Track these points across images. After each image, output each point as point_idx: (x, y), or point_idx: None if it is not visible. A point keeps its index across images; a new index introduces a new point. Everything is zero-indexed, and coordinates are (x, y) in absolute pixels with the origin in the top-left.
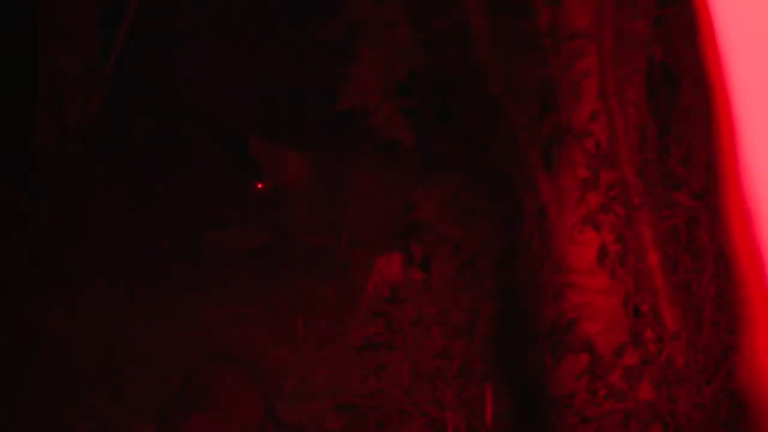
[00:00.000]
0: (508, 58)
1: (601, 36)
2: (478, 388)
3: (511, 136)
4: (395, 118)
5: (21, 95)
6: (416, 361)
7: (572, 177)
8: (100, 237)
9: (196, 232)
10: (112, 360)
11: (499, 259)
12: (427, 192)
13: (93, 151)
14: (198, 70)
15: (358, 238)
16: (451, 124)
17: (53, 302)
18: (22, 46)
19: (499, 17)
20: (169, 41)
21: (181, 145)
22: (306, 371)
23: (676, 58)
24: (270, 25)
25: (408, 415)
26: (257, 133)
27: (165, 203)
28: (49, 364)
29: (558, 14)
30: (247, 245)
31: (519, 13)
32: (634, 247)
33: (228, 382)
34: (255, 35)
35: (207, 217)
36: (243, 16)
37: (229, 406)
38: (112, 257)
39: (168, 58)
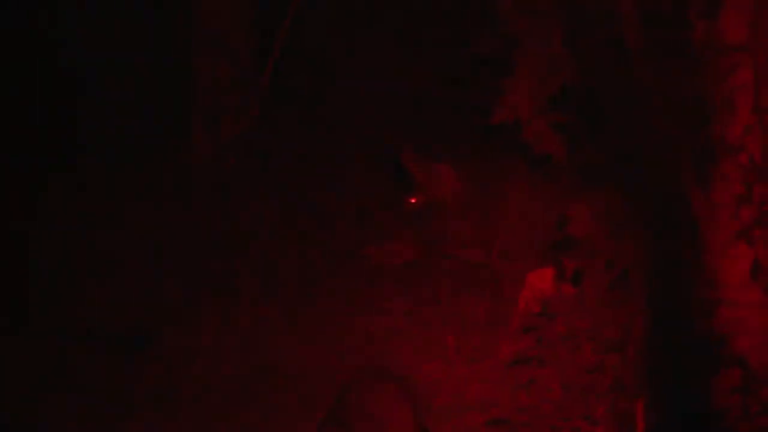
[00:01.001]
0: (661, 71)
1: (756, 49)
2: (629, 403)
3: (664, 150)
4: (548, 132)
5: (177, 105)
6: (567, 376)
7: (726, 191)
8: (256, 250)
9: (350, 246)
10: (266, 375)
11: (651, 274)
12: (580, 206)
13: (248, 162)
14: (352, 83)
15: (510, 252)
16: (604, 138)
17: (209, 316)
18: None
19: (653, 30)
20: (324, 55)
21: (335, 159)
22: (457, 386)
23: None
24: (424, 38)
25: (559, 431)
26: (410, 148)
27: (319, 216)
28: (203, 379)
29: (713, 27)
30: (400, 260)
31: (674, 25)
32: None
33: (381, 398)
34: (409, 49)
35: (361, 231)
36: (397, 30)
37: (382, 422)
38: (267, 271)
39: (322, 71)
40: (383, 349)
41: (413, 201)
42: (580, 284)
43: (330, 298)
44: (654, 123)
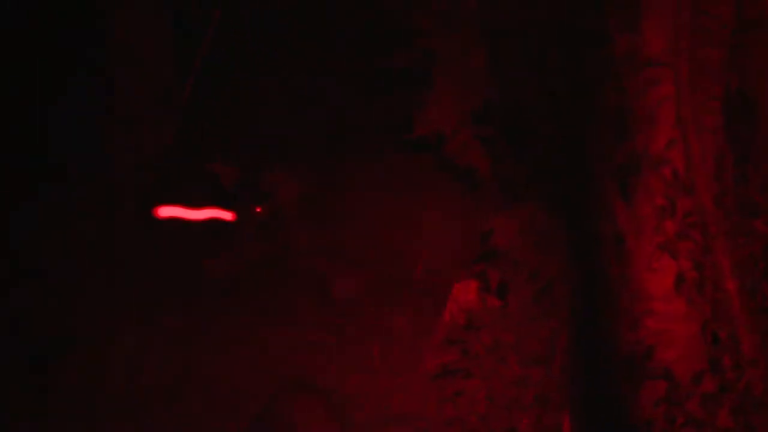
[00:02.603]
0: (583, 86)
1: (677, 63)
2: (555, 416)
3: (587, 164)
4: (471, 146)
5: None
6: (493, 389)
7: (649, 205)
8: (173, 267)
9: (271, 257)
10: (186, 388)
11: (575, 286)
12: (503, 219)
13: (167, 181)
14: (272, 97)
15: (434, 265)
16: (527, 152)
17: (126, 330)
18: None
19: (573, 45)
20: (243, 69)
21: (259, 178)
22: (382, 399)
23: (754, 85)
24: (345, 54)
25: None
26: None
27: (235, 235)
28: (121, 392)
29: (633, 42)
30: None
31: (594, 41)
32: (711, 274)
33: (305, 410)
34: (329, 64)
35: (279, 240)
36: (317, 46)
37: None
38: (185, 287)
39: (242, 86)
40: (307, 363)
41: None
42: (505, 296)
43: (250, 312)
44: (577, 136)
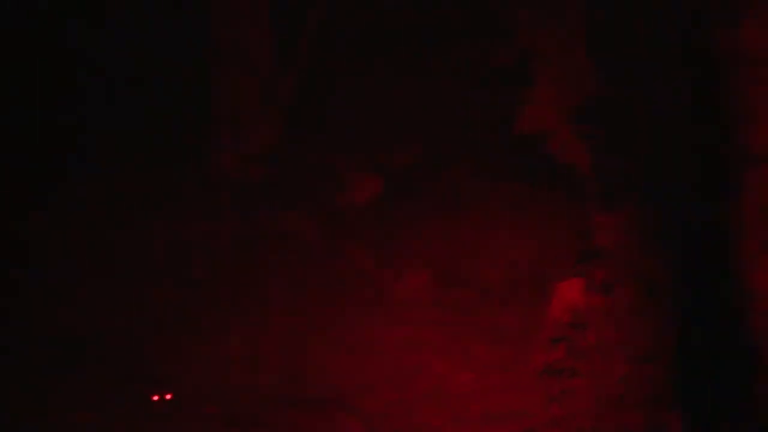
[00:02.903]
0: (686, 83)
1: None
2: (664, 413)
3: (691, 161)
4: (572, 143)
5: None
6: (599, 387)
7: (752, 202)
8: (279, 260)
9: (380, 257)
10: (299, 384)
11: (681, 283)
12: (607, 218)
13: (273, 175)
14: (379, 97)
15: (539, 264)
16: (629, 149)
17: (235, 324)
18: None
19: (677, 42)
20: (345, 68)
21: (361, 173)
22: (489, 396)
23: None
24: (447, 51)
25: None
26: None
27: (339, 230)
28: (234, 389)
29: (736, 40)
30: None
31: (698, 38)
32: None
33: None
34: (431, 63)
35: (387, 240)
36: (418, 45)
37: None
38: (293, 281)
39: (344, 85)
40: (415, 361)
41: None
42: (610, 294)
43: (362, 312)
44: (680, 134)
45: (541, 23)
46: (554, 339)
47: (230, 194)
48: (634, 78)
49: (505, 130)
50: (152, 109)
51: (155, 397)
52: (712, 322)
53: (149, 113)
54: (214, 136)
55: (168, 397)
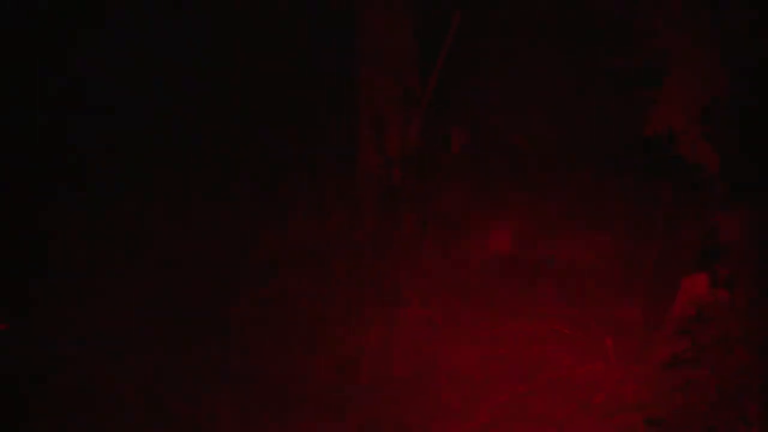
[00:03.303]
0: None
1: None
2: None
3: None
4: (701, 143)
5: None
6: (721, 378)
7: None
8: (414, 257)
9: (506, 253)
10: (430, 375)
11: None
12: (732, 216)
13: (411, 176)
14: (505, 98)
15: (665, 259)
16: (756, 149)
17: (374, 320)
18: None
19: None
20: (479, 70)
21: (496, 173)
22: (616, 386)
23: None
24: (579, 54)
25: (714, 430)
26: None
27: (474, 227)
28: (370, 376)
29: None
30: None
31: None
32: None
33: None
34: (563, 65)
35: (514, 236)
36: (551, 47)
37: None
38: (426, 276)
39: (478, 86)
40: (543, 351)
41: None
42: (733, 290)
43: (488, 303)
44: None
45: (673, 27)
46: (678, 332)
47: (375, 194)
48: (762, 79)
49: (636, 130)
50: (298, 107)
51: None
52: None
53: (295, 110)
54: (360, 139)
55: None
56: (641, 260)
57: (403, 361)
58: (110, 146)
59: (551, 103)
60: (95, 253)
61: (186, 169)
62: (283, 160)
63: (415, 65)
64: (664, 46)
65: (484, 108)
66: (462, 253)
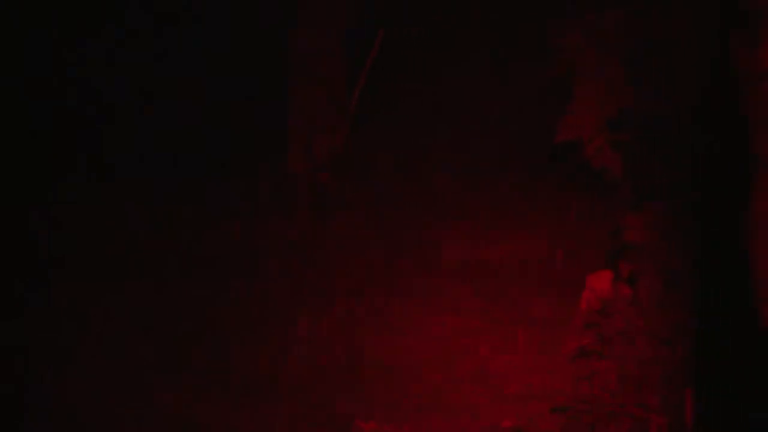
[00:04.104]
0: (708, 96)
1: None
2: (679, 393)
3: (712, 165)
4: (607, 151)
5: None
6: (624, 369)
7: (765, 202)
8: (343, 254)
9: (431, 251)
10: (353, 362)
11: (701, 276)
12: (635, 217)
13: (339, 180)
14: (435, 110)
15: (573, 257)
16: (658, 155)
17: (303, 310)
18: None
19: (701, 60)
20: (408, 82)
21: (420, 178)
22: (526, 377)
23: None
24: (497, 68)
25: (616, 417)
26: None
27: (401, 226)
28: (298, 370)
29: (754, 57)
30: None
31: (719, 56)
32: None
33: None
34: (480, 78)
35: (439, 237)
36: (469, 61)
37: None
38: (353, 273)
39: (406, 97)
40: (460, 345)
41: None
42: (636, 286)
43: (411, 297)
44: (704, 143)
45: (584, 45)
46: (585, 325)
47: (303, 196)
48: (663, 92)
49: (548, 139)
50: (233, 115)
51: None
52: (726, 311)
53: (230, 117)
54: (289, 142)
55: None
56: (554, 259)
57: (332, 352)
58: None
59: (476, 114)
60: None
61: (121, 174)
62: (220, 166)
63: (343, 77)
64: (575, 60)
65: (410, 118)
66: (390, 251)
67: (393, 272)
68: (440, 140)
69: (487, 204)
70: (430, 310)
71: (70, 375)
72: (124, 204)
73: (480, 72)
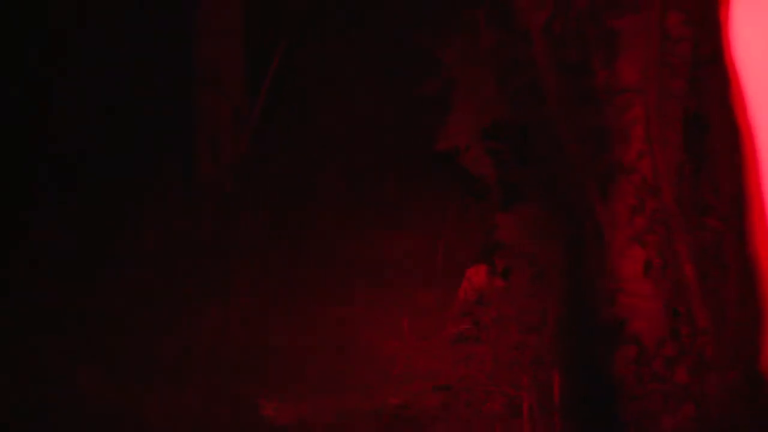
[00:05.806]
0: (571, 109)
1: (646, 91)
2: (547, 374)
3: (575, 172)
4: (482, 158)
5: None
6: (497, 353)
7: (623, 204)
8: (247, 252)
9: (327, 248)
10: (258, 352)
11: (565, 270)
12: (507, 217)
13: (242, 183)
14: (329, 119)
15: (453, 252)
16: (527, 162)
17: (210, 305)
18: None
19: (564, 76)
20: (303, 92)
21: (315, 181)
22: (410, 360)
23: (708, 108)
24: (387, 82)
25: (491, 395)
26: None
27: (299, 225)
28: (206, 356)
29: (611, 74)
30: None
31: (580, 72)
32: (672, 261)
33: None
34: (374, 91)
35: (333, 235)
36: (364, 74)
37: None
38: (257, 269)
39: (305, 105)
40: (353, 332)
41: None
42: (509, 278)
43: (308, 291)
44: (567, 150)
45: (461, 60)
46: (463, 313)
47: (212, 201)
48: (532, 105)
49: (430, 146)
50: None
51: None
52: (588, 301)
53: (144, 121)
54: (196, 148)
55: None
56: (436, 255)
57: (237, 341)
58: None
59: (367, 121)
60: None
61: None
62: (131, 171)
63: (245, 88)
64: (455, 77)
65: (307, 125)
66: (290, 249)
67: (292, 267)
68: (333, 146)
69: (375, 204)
70: (325, 301)
71: None
72: (38, 206)
73: (372, 82)
